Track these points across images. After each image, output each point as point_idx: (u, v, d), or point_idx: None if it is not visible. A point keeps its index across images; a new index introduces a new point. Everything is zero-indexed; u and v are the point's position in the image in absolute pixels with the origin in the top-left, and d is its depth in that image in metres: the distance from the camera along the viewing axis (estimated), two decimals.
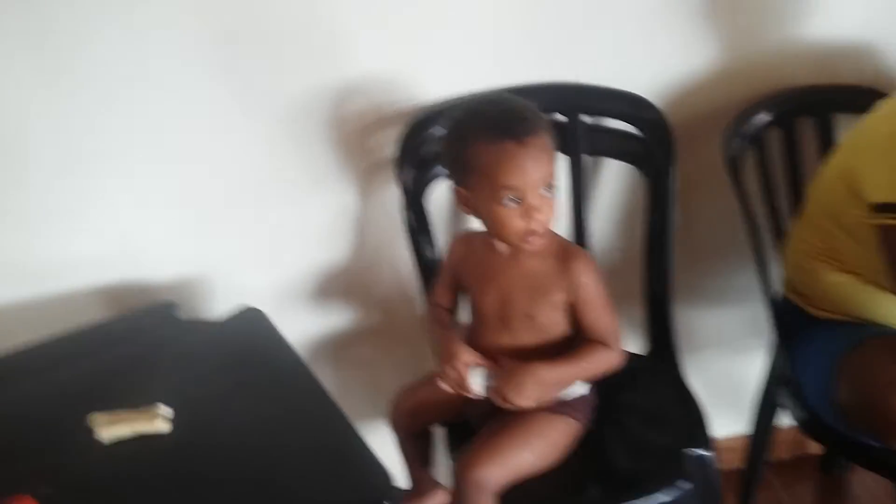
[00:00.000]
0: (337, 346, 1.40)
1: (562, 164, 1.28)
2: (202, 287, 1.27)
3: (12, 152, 1.13)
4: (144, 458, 0.87)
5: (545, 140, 1.00)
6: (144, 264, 1.23)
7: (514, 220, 1.00)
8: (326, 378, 1.39)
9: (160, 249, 1.23)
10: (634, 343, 1.35)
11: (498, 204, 0.99)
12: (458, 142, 1.01)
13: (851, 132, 1.17)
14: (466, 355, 1.06)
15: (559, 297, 1.06)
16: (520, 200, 0.98)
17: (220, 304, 1.26)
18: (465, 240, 1.16)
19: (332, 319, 1.37)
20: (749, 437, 1.46)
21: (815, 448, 1.65)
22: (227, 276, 1.27)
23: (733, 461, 1.60)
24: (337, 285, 1.34)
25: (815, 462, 1.69)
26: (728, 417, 1.59)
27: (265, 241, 1.28)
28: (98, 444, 0.89)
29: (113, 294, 1.22)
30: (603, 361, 1.07)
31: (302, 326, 1.35)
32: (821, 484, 1.69)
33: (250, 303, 1.25)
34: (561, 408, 1.09)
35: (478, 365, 1.06)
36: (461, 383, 1.05)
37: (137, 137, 1.15)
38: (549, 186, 1.00)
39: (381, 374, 1.44)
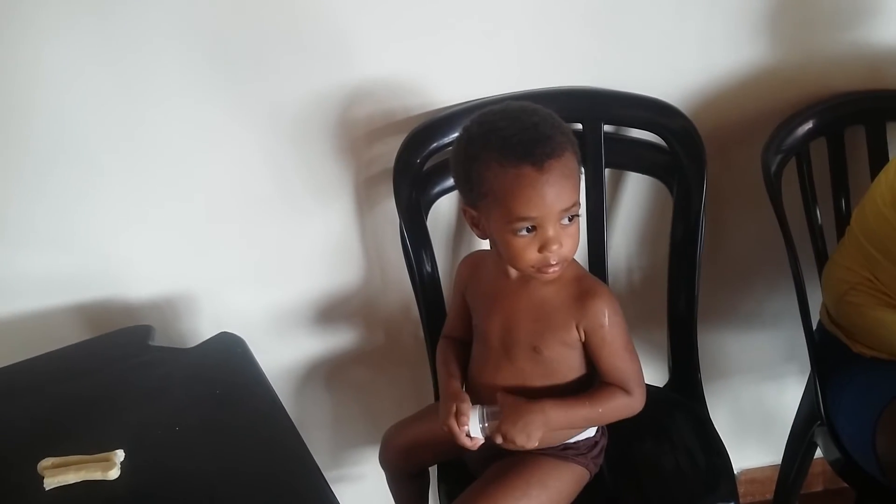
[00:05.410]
0: (333, 368, 1.32)
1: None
2: (189, 307, 1.19)
3: None
4: None
5: (570, 163, 0.87)
6: (128, 283, 1.16)
7: (529, 252, 0.88)
8: (321, 401, 1.35)
9: (145, 268, 1.15)
10: (654, 372, 1.24)
11: (512, 234, 0.88)
12: (470, 160, 0.88)
13: None
14: (463, 405, 0.95)
15: (571, 335, 0.94)
16: (536, 229, 0.87)
17: (208, 325, 1.18)
18: (472, 260, 1.05)
19: (330, 340, 1.29)
20: (780, 470, 1.35)
21: None
22: (218, 295, 1.19)
23: (762, 493, 1.51)
24: (336, 304, 1.25)
25: (851, 496, 1.56)
26: (757, 447, 1.51)
27: (259, 257, 1.19)
28: (41, 492, 0.83)
29: (93, 313, 1.15)
30: (621, 408, 0.95)
31: (296, 347, 1.27)
32: None
33: (241, 322, 1.17)
34: (565, 452, 0.99)
35: (474, 405, 0.95)
36: (458, 438, 0.94)
37: (122, 150, 1.06)
38: (572, 216, 0.89)
39: (379, 398, 1.36)
